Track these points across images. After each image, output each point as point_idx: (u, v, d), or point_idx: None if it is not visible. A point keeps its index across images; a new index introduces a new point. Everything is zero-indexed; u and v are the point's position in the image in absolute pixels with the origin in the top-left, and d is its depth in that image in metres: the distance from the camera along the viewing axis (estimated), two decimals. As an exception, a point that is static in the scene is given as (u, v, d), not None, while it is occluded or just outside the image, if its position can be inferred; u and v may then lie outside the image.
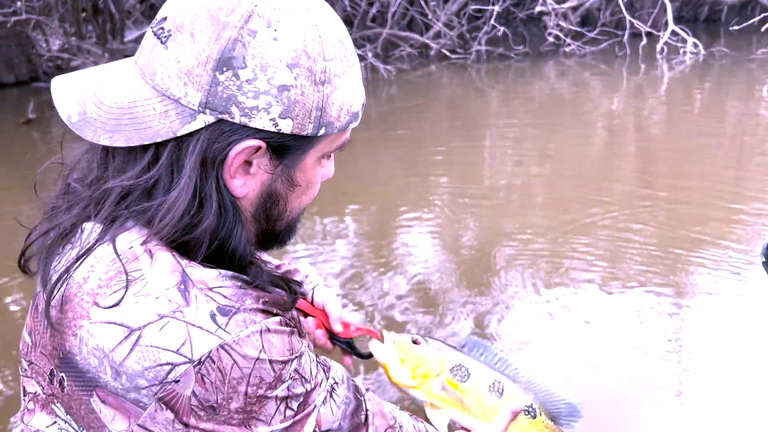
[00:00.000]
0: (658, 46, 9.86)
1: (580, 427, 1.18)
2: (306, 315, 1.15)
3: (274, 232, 0.84)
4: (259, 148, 0.73)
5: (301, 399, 0.76)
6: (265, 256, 1.18)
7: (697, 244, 3.59)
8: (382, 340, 1.12)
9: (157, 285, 0.70)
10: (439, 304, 3.14)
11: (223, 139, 0.71)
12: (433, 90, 8.73)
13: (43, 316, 0.75)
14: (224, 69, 0.69)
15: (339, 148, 0.82)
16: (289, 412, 0.75)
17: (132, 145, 0.71)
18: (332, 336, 1.15)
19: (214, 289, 0.71)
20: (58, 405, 0.76)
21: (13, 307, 3.23)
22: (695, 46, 9.77)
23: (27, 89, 10.27)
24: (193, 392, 0.67)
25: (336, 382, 0.92)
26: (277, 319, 0.73)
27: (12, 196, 4.35)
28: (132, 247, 0.73)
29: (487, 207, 4.47)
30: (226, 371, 0.68)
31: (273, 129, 0.72)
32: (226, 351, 0.68)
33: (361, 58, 9.71)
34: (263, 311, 0.72)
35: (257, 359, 0.69)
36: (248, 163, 0.75)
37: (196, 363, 0.67)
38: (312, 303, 1.17)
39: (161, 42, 0.71)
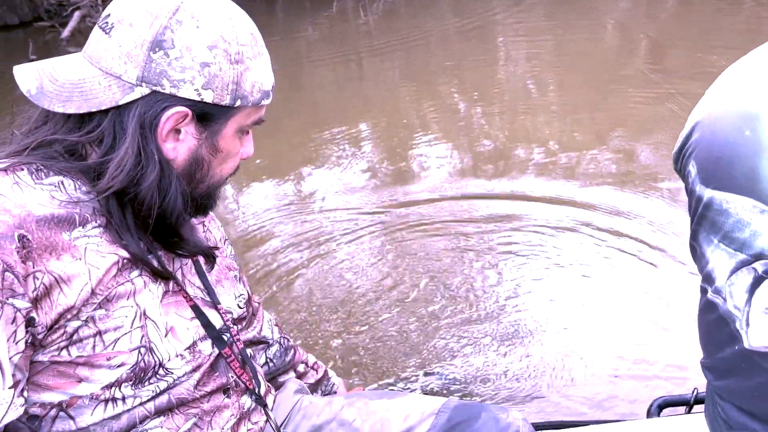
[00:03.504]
0: None
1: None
2: None
3: (194, 195, 0.97)
4: (186, 115, 0.89)
5: None
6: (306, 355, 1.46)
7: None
8: None
9: None
10: (456, 212, 3.24)
11: (157, 106, 0.87)
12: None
13: None
14: (157, 49, 0.86)
15: (255, 123, 0.98)
16: None
17: (81, 111, 0.87)
18: None
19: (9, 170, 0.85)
20: None
21: None
22: None
23: (31, 30, 10.24)
24: None
25: None
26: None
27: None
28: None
29: (499, 114, 4.45)
30: None
31: (197, 98, 0.89)
32: None
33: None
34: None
35: None
36: (177, 131, 0.91)
37: None
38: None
39: (105, 33, 0.88)
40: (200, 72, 0.87)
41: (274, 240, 3.26)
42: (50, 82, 0.89)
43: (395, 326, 2.51)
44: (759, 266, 0.73)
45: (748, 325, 0.77)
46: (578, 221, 3.04)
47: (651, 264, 2.68)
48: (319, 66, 6.50)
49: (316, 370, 1.46)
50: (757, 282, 0.74)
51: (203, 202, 1.00)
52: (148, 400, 0.93)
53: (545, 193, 3.33)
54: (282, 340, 1.39)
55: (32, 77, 0.89)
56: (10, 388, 0.78)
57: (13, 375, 0.79)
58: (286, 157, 4.27)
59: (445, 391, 2.12)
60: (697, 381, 1.82)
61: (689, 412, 1.40)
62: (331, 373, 1.52)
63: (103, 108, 0.86)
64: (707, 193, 0.79)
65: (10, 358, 0.78)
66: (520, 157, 3.75)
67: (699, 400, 1.38)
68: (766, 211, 0.71)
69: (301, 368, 1.43)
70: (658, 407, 1.42)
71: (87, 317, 0.84)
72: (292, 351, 1.41)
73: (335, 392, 1.51)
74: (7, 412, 0.78)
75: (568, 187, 3.34)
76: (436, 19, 7.39)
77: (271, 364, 1.37)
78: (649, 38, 5.79)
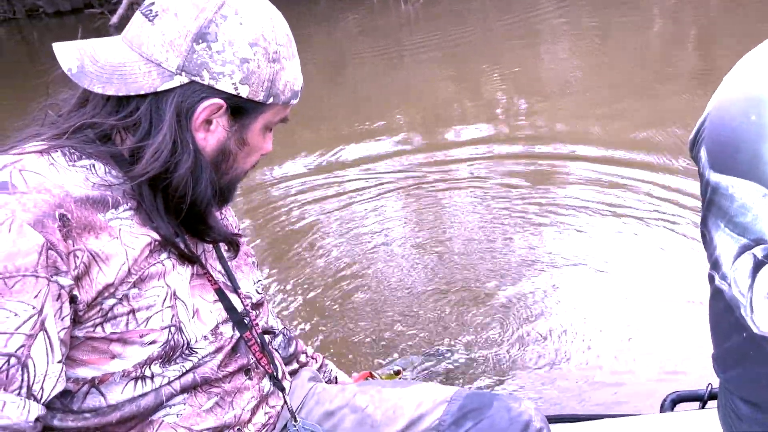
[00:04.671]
0: None
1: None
2: None
3: (219, 185, 1.00)
4: (221, 107, 0.92)
5: None
6: (304, 346, 1.47)
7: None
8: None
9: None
10: (494, 207, 3.25)
11: (194, 96, 0.90)
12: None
13: None
14: (200, 41, 0.89)
15: (281, 120, 1.02)
16: None
17: (120, 94, 0.89)
18: None
19: (24, 171, 0.83)
20: None
21: None
22: None
23: (82, 16, 10.52)
24: None
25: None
26: (25, 218, 0.78)
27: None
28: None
29: (542, 100, 4.40)
30: None
31: (233, 92, 0.91)
32: None
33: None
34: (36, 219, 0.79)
35: None
36: (209, 122, 0.93)
37: None
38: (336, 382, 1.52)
39: (149, 20, 0.90)
40: (239, 67, 0.90)
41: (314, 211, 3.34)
42: (91, 62, 0.91)
43: (414, 308, 2.56)
44: (758, 251, 0.74)
45: (752, 311, 0.78)
46: (615, 208, 3.03)
47: (680, 256, 2.66)
48: (360, 54, 6.53)
49: (315, 359, 1.49)
50: (757, 267, 0.75)
51: (225, 194, 1.02)
52: (175, 379, 0.96)
53: (588, 176, 3.34)
54: (285, 331, 1.41)
55: (73, 56, 0.91)
56: (59, 362, 0.82)
57: (60, 349, 0.82)
58: (327, 136, 4.33)
59: (457, 381, 2.15)
60: (712, 376, 1.81)
61: (703, 407, 1.39)
62: (330, 364, 1.55)
63: (142, 93, 0.89)
64: (715, 178, 0.80)
65: (57, 333, 0.81)
66: (563, 142, 3.74)
67: (713, 396, 1.37)
68: (767, 195, 0.72)
69: (302, 358, 1.45)
70: (672, 402, 1.41)
71: (122, 295, 0.87)
72: (294, 342, 1.43)
73: (335, 378, 1.53)
74: (56, 384, 0.83)
75: (614, 171, 3.34)
76: (478, 7, 7.33)
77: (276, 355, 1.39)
78: (699, 26, 5.66)
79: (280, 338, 1.39)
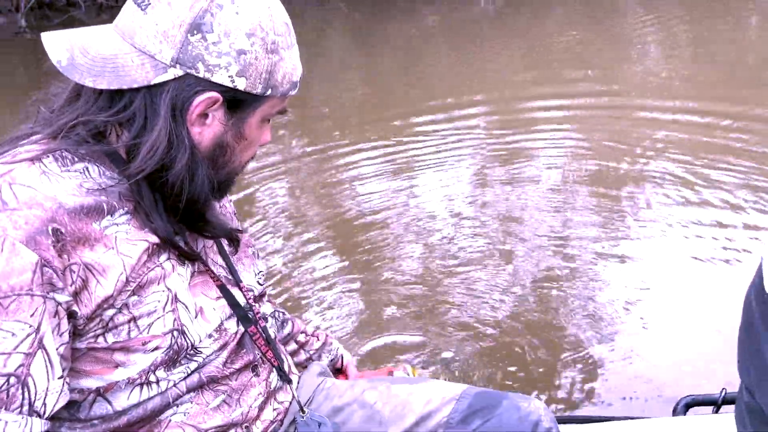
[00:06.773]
0: None
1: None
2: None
3: (216, 179, 0.97)
4: (218, 100, 0.89)
5: None
6: (302, 324, 1.42)
7: None
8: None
9: None
10: (575, 198, 3.24)
11: (189, 89, 0.87)
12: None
13: None
14: (195, 32, 0.85)
15: (278, 112, 0.99)
16: None
17: (113, 88, 0.86)
18: None
19: (14, 185, 0.81)
20: None
21: None
22: None
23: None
24: None
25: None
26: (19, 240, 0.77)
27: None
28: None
29: (627, 103, 4.35)
30: None
31: (230, 84, 0.88)
32: None
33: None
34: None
35: None
36: (205, 115, 0.90)
37: None
38: (342, 366, 1.47)
39: (141, 9, 0.87)
40: (236, 59, 0.87)
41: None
42: (81, 54, 0.87)
43: (427, 302, 2.54)
44: None
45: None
46: (671, 219, 2.99)
47: (726, 261, 2.62)
48: (435, 45, 6.48)
49: (317, 337, 1.45)
50: None
51: (222, 188, 1.00)
52: (180, 381, 0.95)
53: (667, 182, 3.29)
54: (276, 314, 1.37)
55: (63, 47, 0.88)
56: (59, 377, 0.81)
57: (61, 365, 0.81)
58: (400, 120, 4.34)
59: (467, 379, 2.13)
60: (726, 381, 1.78)
61: (717, 412, 1.37)
62: (335, 342, 1.50)
63: (135, 86, 0.85)
64: None
65: (56, 349, 0.80)
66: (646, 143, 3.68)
67: (727, 401, 1.35)
68: None
69: (301, 338, 1.41)
70: (685, 406, 1.40)
71: (121, 304, 0.86)
72: (289, 323, 1.39)
73: (341, 357, 1.49)
74: (58, 399, 0.82)
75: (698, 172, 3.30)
76: (562, 3, 7.23)
77: None
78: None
79: (270, 322, 1.34)
